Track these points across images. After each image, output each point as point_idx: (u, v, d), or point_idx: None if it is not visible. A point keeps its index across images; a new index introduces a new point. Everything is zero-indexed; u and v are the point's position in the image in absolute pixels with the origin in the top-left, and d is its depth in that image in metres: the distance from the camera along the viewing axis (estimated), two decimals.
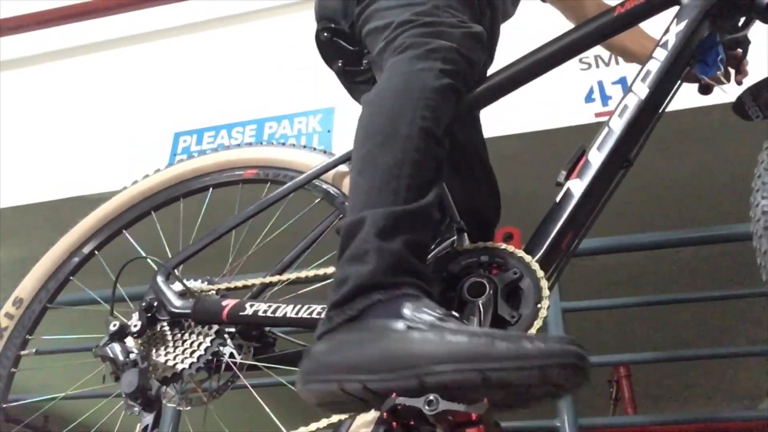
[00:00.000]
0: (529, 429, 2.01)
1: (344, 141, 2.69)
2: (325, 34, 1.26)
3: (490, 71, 1.21)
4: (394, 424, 0.77)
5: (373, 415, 0.83)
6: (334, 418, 0.86)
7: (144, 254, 1.16)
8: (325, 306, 0.90)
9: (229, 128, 2.91)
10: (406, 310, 0.79)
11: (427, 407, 0.73)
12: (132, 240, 1.28)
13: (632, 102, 0.97)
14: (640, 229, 2.70)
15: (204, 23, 3.29)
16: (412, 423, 0.76)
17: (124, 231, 1.29)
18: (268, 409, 1.05)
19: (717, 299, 2.82)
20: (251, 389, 1.08)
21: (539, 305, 0.85)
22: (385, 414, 0.76)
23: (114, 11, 3.31)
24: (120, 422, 1.10)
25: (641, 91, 0.98)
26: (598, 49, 1.94)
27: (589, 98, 2.44)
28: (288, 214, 1.19)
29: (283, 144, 1.30)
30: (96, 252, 1.29)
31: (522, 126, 2.45)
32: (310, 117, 2.82)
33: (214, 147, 2.85)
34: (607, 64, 2.52)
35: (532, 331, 0.84)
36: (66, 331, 1.32)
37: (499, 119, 2.24)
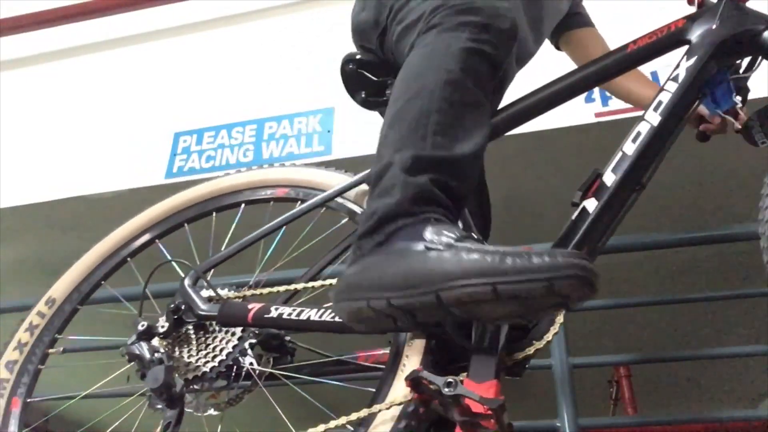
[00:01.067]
0: (529, 429, 2.01)
1: (344, 141, 2.69)
2: (351, 66, 1.33)
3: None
4: (416, 395, 0.83)
5: (392, 413, 0.87)
6: (353, 416, 0.88)
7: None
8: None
9: (229, 128, 2.91)
10: (427, 233, 0.85)
11: (446, 388, 0.79)
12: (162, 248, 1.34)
13: (645, 129, 1.03)
14: (640, 229, 2.69)
15: (204, 23, 3.28)
16: (435, 401, 0.83)
17: (156, 241, 1.35)
18: (284, 416, 1.06)
19: (717, 299, 2.82)
20: (269, 397, 1.09)
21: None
22: (407, 382, 0.83)
23: (114, 11, 3.31)
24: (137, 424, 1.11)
25: (653, 119, 1.03)
26: None
27: (589, 98, 2.43)
28: (313, 230, 1.24)
29: (315, 165, 1.36)
30: (129, 259, 1.35)
31: (522, 126, 2.45)
32: (310, 117, 2.82)
33: (214, 147, 2.89)
34: None
35: (548, 336, 0.90)
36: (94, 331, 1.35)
37: None
